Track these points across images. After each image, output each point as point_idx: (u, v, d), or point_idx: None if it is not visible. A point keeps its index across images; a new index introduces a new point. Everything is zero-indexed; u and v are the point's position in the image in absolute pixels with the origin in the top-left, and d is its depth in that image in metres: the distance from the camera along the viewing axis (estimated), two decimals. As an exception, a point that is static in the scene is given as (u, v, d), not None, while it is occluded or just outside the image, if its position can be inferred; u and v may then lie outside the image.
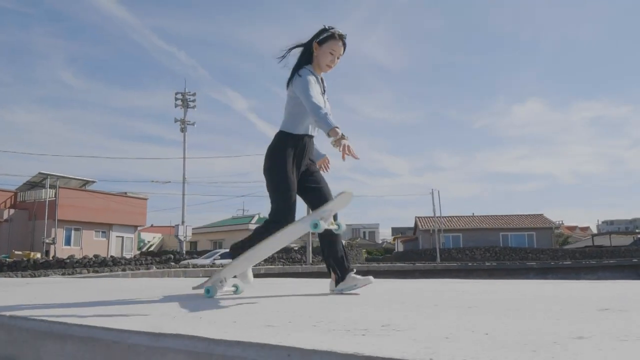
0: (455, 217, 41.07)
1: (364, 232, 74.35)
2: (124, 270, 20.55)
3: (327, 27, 2.89)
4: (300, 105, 2.78)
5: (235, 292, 3.00)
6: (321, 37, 2.87)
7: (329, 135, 2.47)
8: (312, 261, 30.56)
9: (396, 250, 47.79)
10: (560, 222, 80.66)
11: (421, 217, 39.72)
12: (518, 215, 40.65)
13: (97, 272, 18.97)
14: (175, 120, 33.70)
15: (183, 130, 33.63)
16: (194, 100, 34.41)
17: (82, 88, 79.74)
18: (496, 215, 41.31)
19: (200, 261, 25.76)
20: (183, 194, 32.55)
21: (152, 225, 50.56)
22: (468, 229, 38.52)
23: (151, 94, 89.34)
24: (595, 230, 79.68)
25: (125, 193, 38.13)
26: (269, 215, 2.85)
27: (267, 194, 2.86)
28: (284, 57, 2.98)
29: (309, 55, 2.91)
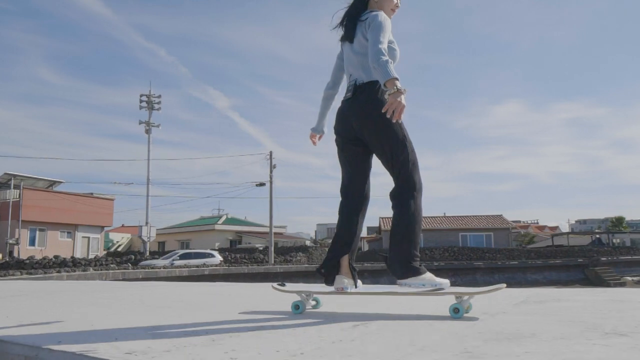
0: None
1: (339, 232, 74.91)
2: (84, 270, 21.02)
3: None
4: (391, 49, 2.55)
5: (316, 306, 2.68)
6: None
7: (385, 87, 2.24)
8: (275, 261, 31.27)
9: (361, 250, 48.55)
10: (535, 222, 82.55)
11: (384, 218, 40.51)
12: (477, 216, 41.72)
13: (58, 272, 19.42)
14: (140, 122, 34.09)
15: (148, 132, 34.02)
16: (159, 102, 34.79)
17: (60, 85, 79.32)
18: (456, 216, 42.34)
19: (159, 262, 26.22)
20: (147, 195, 32.95)
21: (122, 225, 50.78)
22: (429, 229, 39.41)
23: (133, 91, 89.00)
24: (568, 229, 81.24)
25: (92, 194, 38.39)
26: (407, 182, 2.40)
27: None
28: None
29: (363, 1, 2.67)
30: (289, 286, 2.78)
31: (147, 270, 19.40)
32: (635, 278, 27.91)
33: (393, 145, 2.43)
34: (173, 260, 26.66)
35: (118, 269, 20.54)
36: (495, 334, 1.75)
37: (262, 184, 33.53)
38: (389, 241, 2.39)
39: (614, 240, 44.79)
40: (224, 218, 44.38)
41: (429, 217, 41.93)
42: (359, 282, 2.55)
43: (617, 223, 58.65)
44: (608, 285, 24.23)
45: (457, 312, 2.13)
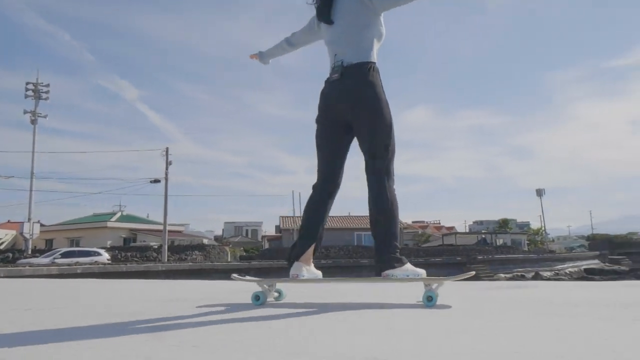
0: (317, 217, 42.80)
1: (247, 230, 74.50)
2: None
3: None
4: (377, 20, 2.53)
5: (278, 298, 2.60)
6: None
7: None
8: (168, 259, 30.63)
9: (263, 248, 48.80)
10: (437, 222, 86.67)
11: (284, 217, 41.02)
12: (372, 216, 43.25)
13: None
14: (25, 112, 32.07)
15: (34, 122, 32.05)
16: (47, 92, 32.91)
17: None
18: (352, 216, 43.75)
19: (39, 260, 24.79)
20: (30, 190, 31.08)
21: (8, 221, 47.29)
22: (326, 228, 40.30)
23: (27, 76, 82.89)
24: (467, 230, 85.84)
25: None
26: (387, 172, 2.45)
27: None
28: None
29: None
30: (249, 277, 2.73)
31: (9, 268, 18.29)
32: (507, 275, 30.35)
33: (381, 131, 2.43)
34: (54, 258, 25.31)
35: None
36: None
37: (157, 181, 32.71)
38: (372, 233, 2.41)
39: (498, 241, 48.32)
40: (118, 215, 42.72)
41: (335, 216, 42.91)
42: (319, 272, 2.55)
43: (504, 224, 63.21)
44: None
45: (430, 300, 2.17)
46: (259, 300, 2.37)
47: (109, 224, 39.25)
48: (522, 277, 29.29)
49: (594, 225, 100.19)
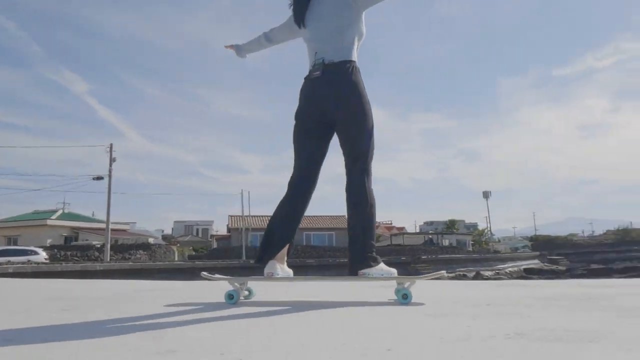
0: (267, 216, 42.75)
1: (197, 229, 73.43)
2: None
3: None
4: (359, 19, 2.53)
5: (248, 296, 2.54)
6: None
7: None
8: (110, 259, 29.80)
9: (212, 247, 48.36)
10: (389, 222, 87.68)
11: (233, 216, 40.68)
12: (321, 216, 43.64)
13: None
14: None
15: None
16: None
17: None
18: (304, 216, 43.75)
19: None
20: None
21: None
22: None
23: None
24: (417, 230, 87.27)
25: None
26: (366, 173, 2.46)
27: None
28: None
29: None
30: (219, 276, 2.66)
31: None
32: (450, 274, 31.14)
33: (364, 133, 2.43)
34: (-14, 257, 24.16)
35: None
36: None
37: (99, 178, 31.75)
38: (349, 232, 2.40)
39: (444, 241, 49.55)
40: (59, 213, 41.20)
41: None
42: (291, 271, 2.51)
43: (451, 225, 64.86)
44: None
45: (405, 298, 2.20)
46: (232, 299, 2.33)
47: (49, 222, 37.82)
48: (464, 277, 30.13)
49: (538, 227, 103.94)
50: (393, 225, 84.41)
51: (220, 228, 72.97)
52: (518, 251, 56.48)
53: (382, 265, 2.35)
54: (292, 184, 2.54)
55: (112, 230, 32.28)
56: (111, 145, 31.52)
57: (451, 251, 40.30)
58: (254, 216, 41.38)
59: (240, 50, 2.99)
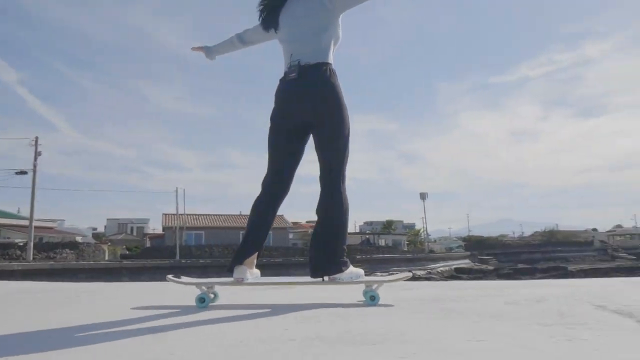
0: (202, 215, 42.19)
1: (132, 227, 71.28)
2: None
3: None
4: (335, 22, 2.49)
5: (213, 300, 2.48)
6: None
7: None
8: (34, 258, 28.36)
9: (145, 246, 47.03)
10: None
11: (167, 214, 39.75)
12: (259, 215, 43.29)
13: None
14: None
15: None
16: None
17: None
18: (237, 215, 43.49)
19: None
20: None
21: None
22: (211, 227, 39.79)
23: None
24: (357, 230, 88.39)
25: None
26: (340, 177, 2.45)
27: None
28: None
29: None
30: (186, 279, 2.57)
31: None
32: (384, 274, 31.82)
33: (340, 136, 2.39)
34: None
35: None
36: None
37: (23, 172, 30.14)
38: (319, 235, 2.37)
39: (380, 241, 50.50)
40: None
41: (208, 215, 42.35)
42: (257, 271, 2.50)
43: (388, 225, 66.22)
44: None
45: (373, 300, 2.25)
46: (203, 302, 2.31)
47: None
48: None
49: (472, 228, 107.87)
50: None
51: (156, 226, 71.02)
52: (453, 251, 58.36)
53: (351, 269, 2.38)
54: (265, 187, 2.51)
55: (37, 227, 30.76)
56: (36, 138, 30.03)
57: (386, 251, 41.15)
58: (189, 215, 40.59)
59: (209, 52, 2.90)
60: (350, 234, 58.52)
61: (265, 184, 2.51)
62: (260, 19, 2.65)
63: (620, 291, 2.78)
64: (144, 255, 37.01)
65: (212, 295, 2.46)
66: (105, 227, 70.08)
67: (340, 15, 2.50)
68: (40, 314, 2.29)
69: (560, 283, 3.57)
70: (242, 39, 2.81)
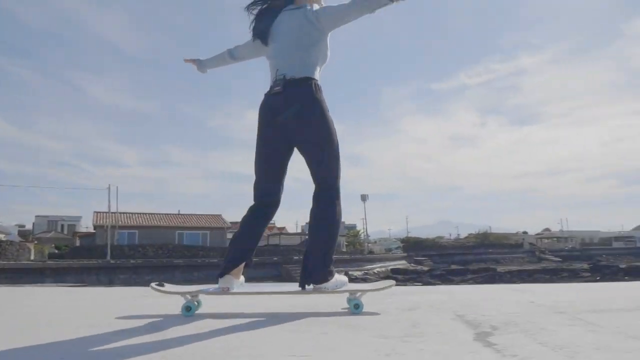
0: (136, 213, 40.89)
1: (62, 225, 68.11)
2: None
3: None
4: (323, 40, 2.49)
5: (196, 307, 2.43)
6: None
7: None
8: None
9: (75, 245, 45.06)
10: (272, 223, 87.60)
11: (99, 212, 38.26)
12: (196, 214, 42.67)
13: None
14: None
15: None
16: None
17: None
18: (175, 214, 42.57)
19: None
20: None
21: None
22: (145, 226, 38.68)
23: None
24: (300, 230, 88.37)
25: None
26: (334, 189, 2.46)
27: None
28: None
29: None
30: (170, 287, 2.54)
31: None
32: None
33: (328, 149, 2.41)
34: None
35: None
36: None
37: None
38: (310, 244, 2.41)
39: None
40: None
41: (142, 213, 41.22)
42: (242, 279, 2.53)
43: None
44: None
45: (357, 308, 2.32)
46: (189, 311, 2.32)
47: None
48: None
49: (411, 229, 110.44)
50: (275, 225, 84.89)
51: (90, 224, 68.35)
52: (392, 252, 59.55)
53: (336, 277, 2.43)
54: (256, 199, 2.53)
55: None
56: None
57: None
58: (122, 213, 39.21)
59: (201, 65, 2.93)
60: (290, 234, 58.60)
61: (256, 195, 2.54)
62: (252, 34, 2.67)
63: (490, 299, 2.88)
64: (72, 254, 35.45)
65: (196, 303, 2.45)
66: (33, 224, 66.56)
67: (329, 35, 2.52)
68: None
69: (442, 290, 3.66)
70: (232, 55, 2.84)
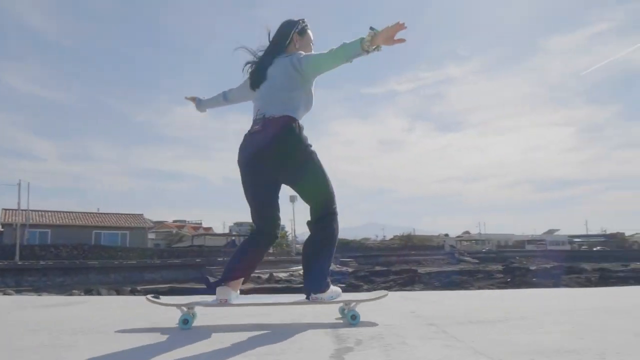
0: (50, 211, 38.63)
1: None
2: None
3: (300, 20, 2.70)
4: (305, 86, 2.55)
5: (193, 319, 2.42)
6: (299, 28, 2.67)
7: (367, 48, 2.28)
8: None
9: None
10: (199, 222, 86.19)
11: (8, 209, 35.79)
12: (116, 214, 40.94)
13: None
14: None
15: None
16: None
17: None
18: (92, 213, 40.65)
19: None
20: None
21: None
22: (59, 225, 36.66)
23: None
24: (227, 230, 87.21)
25: None
26: (331, 211, 2.55)
27: None
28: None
29: (284, 44, 2.64)
30: (166, 299, 2.58)
31: None
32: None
33: (315, 181, 2.47)
34: None
35: None
36: None
37: None
38: (308, 258, 2.49)
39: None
40: None
41: (57, 211, 39.12)
42: (238, 291, 2.54)
43: (255, 227, 66.21)
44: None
45: (354, 319, 2.36)
46: (187, 323, 2.33)
47: None
48: (259, 278, 30.85)
49: (340, 230, 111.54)
50: (202, 225, 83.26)
51: (-2, 222, 63.60)
52: (319, 253, 59.64)
53: (332, 288, 2.49)
54: (258, 228, 2.55)
55: None
56: None
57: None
58: (34, 210, 36.88)
59: (201, 104, 3.06)
60: (216, 235, 57.60)
61: (257, 226, 2.56)
62: (249, 79, 2.69)
63: (377, 310, 2.87)
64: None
65: (192, 315, 2.44)
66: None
67: (313, 83, 2.56)
68: None
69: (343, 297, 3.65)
70: (226, 98, 2.96)
